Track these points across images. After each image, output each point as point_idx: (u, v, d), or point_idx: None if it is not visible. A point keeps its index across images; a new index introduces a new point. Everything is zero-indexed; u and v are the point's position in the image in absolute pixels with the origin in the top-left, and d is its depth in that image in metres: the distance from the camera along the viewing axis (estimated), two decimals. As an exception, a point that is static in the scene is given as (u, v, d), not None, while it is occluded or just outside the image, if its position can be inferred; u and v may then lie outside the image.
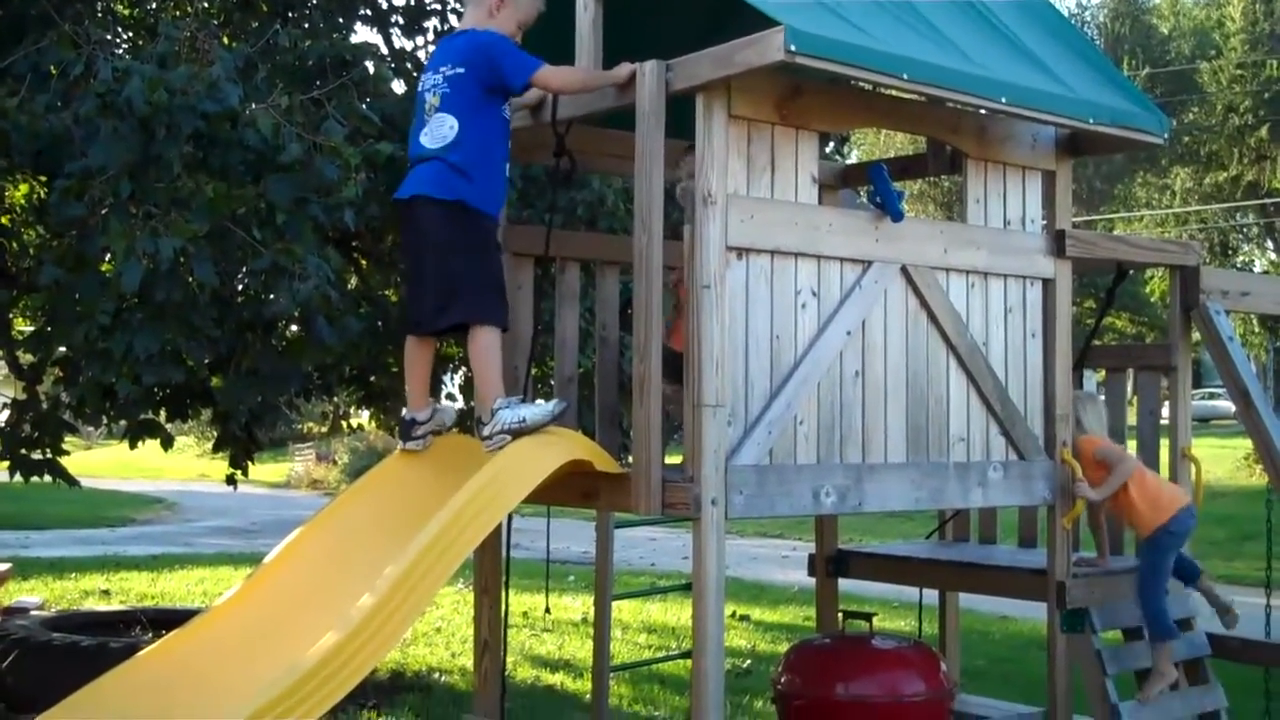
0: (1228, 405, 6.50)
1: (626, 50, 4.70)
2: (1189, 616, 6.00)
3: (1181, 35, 40.70)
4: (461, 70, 4.60)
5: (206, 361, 6.29)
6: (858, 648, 5.65)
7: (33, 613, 8.77)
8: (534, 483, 4.28)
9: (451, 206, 4.52)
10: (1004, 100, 4.72)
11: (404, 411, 4.93)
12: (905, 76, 4.41)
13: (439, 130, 4.58)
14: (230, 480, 8.03)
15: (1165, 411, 6.30)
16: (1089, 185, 39.40)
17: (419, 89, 4.76)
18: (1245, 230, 39.83)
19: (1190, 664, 5.94)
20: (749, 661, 10.08)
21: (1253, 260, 41.20)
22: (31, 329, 7.36)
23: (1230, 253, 38.58)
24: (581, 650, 10.28)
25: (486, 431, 4.46)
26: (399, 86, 8.49)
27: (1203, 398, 35.90)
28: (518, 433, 4.41)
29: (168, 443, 6.99)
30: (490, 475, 4.17)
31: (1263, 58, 34.94)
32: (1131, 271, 6.41)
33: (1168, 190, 38.82)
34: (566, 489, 4.68)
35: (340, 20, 8.85)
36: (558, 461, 4.39)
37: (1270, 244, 39.94)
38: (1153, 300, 35.89)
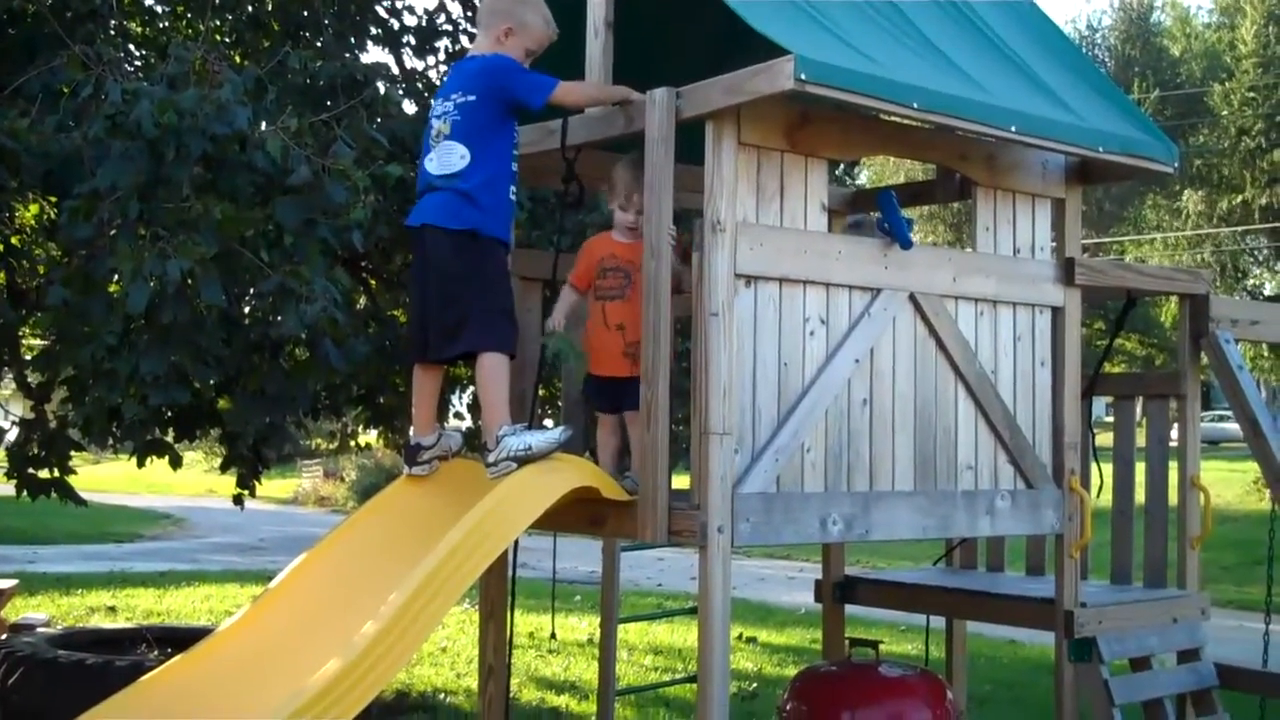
0: (1236, 428, 6.46)
1: (636, 77, 4.70)
2: (1197, 646, 5.96)
3: (1193, 57, 40.78)
4: (473, 97, 4.57)
5: (213, 382, 6.28)
6: (864, 675, 5.61)
7: (39, 629, 8.77)
8: (538, 510, 4.26)
9: (461, 236, 4.50)
10: (1014, 129, 4.71)
11: (410, 436, 4.92)
12: (916, 105, 4.40)
13: (447, 158, 4.55)
14: (238, 500, 8.03)
15: (1174, 433, 6.27)
16: (1099, 207, 39.41)
17: (429, 116, 4.75)
18: (1256, 253, 39.81)
19: (1198, 695, 5.91)
20: (755, 684, 10.05)
21: (1263, 283, 41.17)
22: (41, 344, 7.36)
23: (1240, 275, 38.56)
24: (587, 672, 10.26)
25: (492, 458, 4.43)
26: (409, 107, 8.50)
27: (1212, 420, 35.79)
28: (523, 460, 4.39)
29: (176, 462, 6.97)
30: (494, 503, 4.15)
31: (1275, 80, 34.98)
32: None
33: (1179, 213, 38.80)
34: (573, 515, 4.65)
35: (352, 40, 8.87)
36: (562, 489, 4.36)
37: (1281, 266, 39.95)
38: (1163, 323, 35.87)
